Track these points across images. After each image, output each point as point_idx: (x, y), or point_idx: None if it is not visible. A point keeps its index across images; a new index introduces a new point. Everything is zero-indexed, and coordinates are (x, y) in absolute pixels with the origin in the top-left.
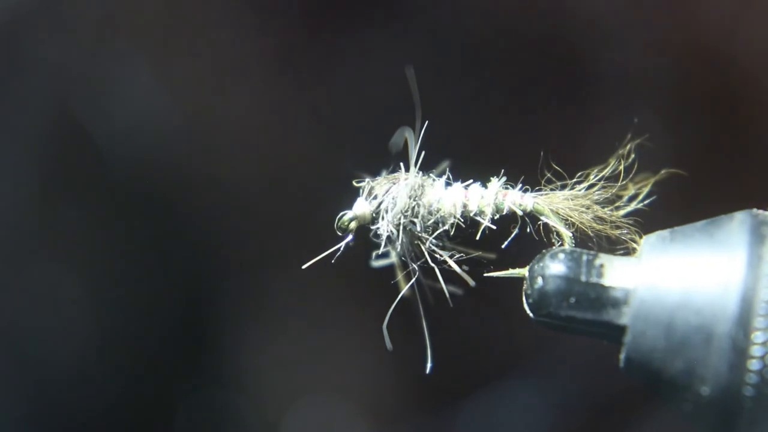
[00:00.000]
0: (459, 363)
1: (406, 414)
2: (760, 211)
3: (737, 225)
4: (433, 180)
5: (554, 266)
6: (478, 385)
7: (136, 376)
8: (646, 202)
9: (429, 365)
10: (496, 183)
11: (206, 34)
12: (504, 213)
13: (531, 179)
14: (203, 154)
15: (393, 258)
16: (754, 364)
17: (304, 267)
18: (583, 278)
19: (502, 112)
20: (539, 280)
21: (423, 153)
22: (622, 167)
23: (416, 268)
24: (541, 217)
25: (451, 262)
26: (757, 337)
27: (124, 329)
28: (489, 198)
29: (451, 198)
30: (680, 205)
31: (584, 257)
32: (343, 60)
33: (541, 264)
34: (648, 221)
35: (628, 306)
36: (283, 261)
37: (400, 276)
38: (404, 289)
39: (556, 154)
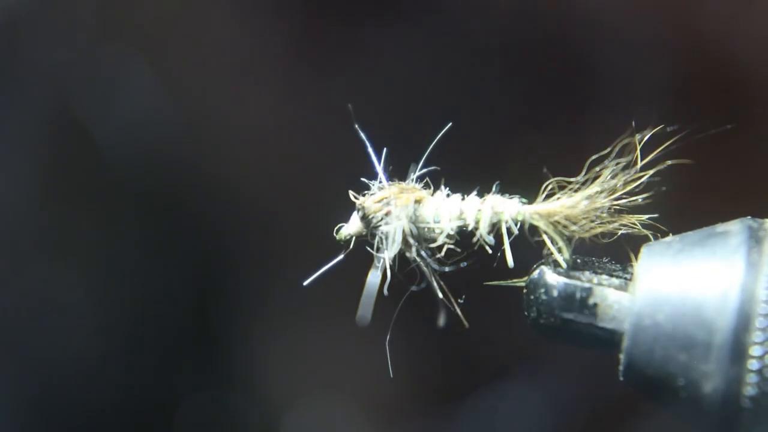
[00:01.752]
0: (459, 363)
1: (406, 414)
2: (756, 220)
3: (734, 231)
4: (428, 193)
5: (547, 302)
6: (478, 385)
7: (136, 376)
8: (650, 193)
9: (442, 320)
10: (492, 196)
11: (208, 32)
12: (501, 228)
13: (531, 185)
14: (205, 153)
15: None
16: (753, 365)
17: (305, 283)
18: (575, 317)
19: (499, 115)
20: (534, 311)
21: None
22: (621, 166)
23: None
24: (542, 233)
25: (449, 298)
26: (757, 337)
27: (124, 329)
28: (486, 213)
29: (446, 216)
30: (681, 205)
31: (578, 295)
32: (349, 60)
33: (534, 296)
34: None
35: (622, 341)
36: (283, 261)
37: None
38: (403, 298)
39: (555, 158)
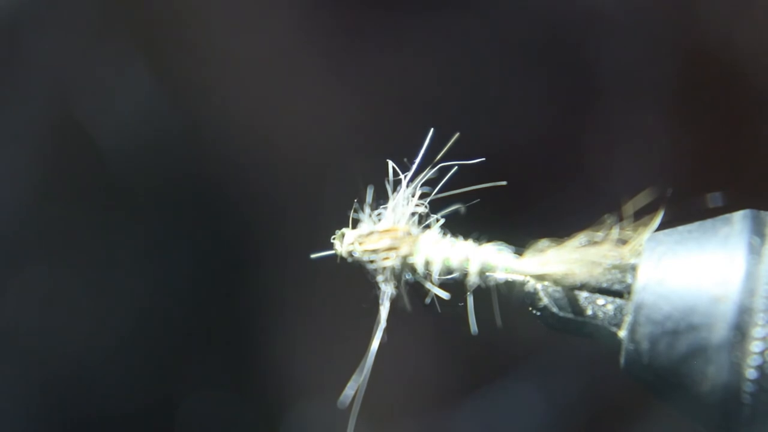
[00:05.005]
0: (459, 363)
1: (406, 414)
2: (758, 212)
3: (736, 224)
4: (418, 237)
5: (540, 316)
6: (478, 385)
7: (136, 376)
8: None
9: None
10: (483, 249)
11: (209, 29)
12: (491, 282)
13: (532, 185)
14: (207, 152)
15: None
16: (754, 360)
17: (313, 257)
18: (571, 335)
19: (500, 116)
20: (535, 313)
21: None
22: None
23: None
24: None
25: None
26: (757, 332)
27: (123, 330)
28: (474, 268)
29: (437, 268)
30: (681, 205)
31: (571, 326)
32: (374, 52)
33: (530, 304)
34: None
35: (623, 339)
36: (284, 261)
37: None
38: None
39: (556, 163)
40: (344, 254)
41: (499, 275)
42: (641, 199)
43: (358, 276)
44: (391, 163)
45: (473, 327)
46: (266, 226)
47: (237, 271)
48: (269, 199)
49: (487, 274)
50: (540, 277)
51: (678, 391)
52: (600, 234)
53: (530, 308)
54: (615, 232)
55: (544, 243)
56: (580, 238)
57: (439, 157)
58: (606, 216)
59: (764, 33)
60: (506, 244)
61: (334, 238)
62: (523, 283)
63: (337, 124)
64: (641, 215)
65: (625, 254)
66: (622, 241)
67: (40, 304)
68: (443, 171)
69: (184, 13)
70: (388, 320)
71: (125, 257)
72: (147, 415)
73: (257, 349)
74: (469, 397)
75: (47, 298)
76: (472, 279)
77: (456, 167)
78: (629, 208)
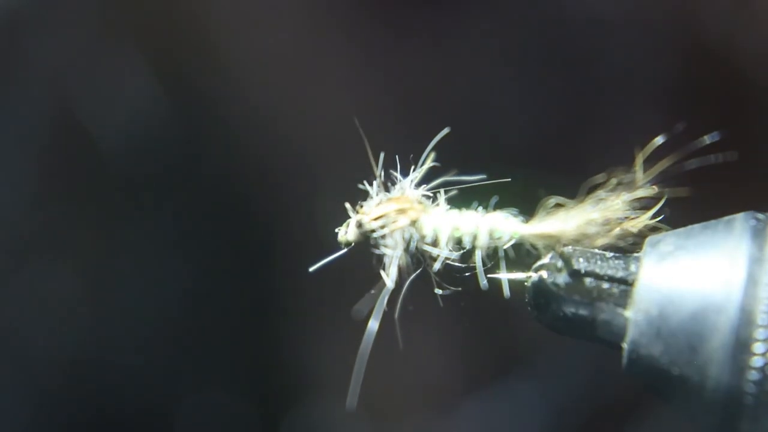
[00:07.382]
0: (459, 363)
1: (407, 414)
2: (760, 213)
3: (738, 226)
4: (427, 208)
5: (546, 308)
6: (478, 385)
7: (136, 377)
8: (657, 218)
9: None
10: (490, 215)
11: (207, 28)
12: (500, 244)
13: (535, 181)
14: (208, 150)
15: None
16: (756, 362)
17: (311, 269)
18: (575, 328)
19: (505, 116)
20: (534, 310)
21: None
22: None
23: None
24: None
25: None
26: (759, 334)
27: (124, 330)
28: (483, 233)
29: (444, 236)
30: (681, 205)
31: (577, 311)
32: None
33: (533, 298)
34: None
35: (625, 338)
36: (285, 262)
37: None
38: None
39: (558, 160)
40: (351, 237)
41: (502, 276)
42: (651, 147)
43: (360, 274)
44: (397, 159)
45: (483, 282)
46: (269, 225)
47: (238, 271)
48: (272, 198)
49: (496, 237)
50: (548, 239)
51: (679, 392)
52: (608, 195)
53: (533, 303)
54: (622, 195)
55: (552, 200)
56: (588, 200)
57: (444, 176)
58: (613, 172)
59: (764, 33)
60: (514, 210)
61: (338, 229)
62: (524, 280)
63: (341, 122)
64: (649, 165)
65: (630, 225)
66: (630, 202)
67: (40, 304)
68: (447, 166)
69: (184, 11)
70: (389, 321)
71: (126, 257)
72: (147, 415)
73: (258, 349)
74: (469, 397)
75: (47, 298)
76: (482, 241)
77: (458, 171)
78: (639, 159)
